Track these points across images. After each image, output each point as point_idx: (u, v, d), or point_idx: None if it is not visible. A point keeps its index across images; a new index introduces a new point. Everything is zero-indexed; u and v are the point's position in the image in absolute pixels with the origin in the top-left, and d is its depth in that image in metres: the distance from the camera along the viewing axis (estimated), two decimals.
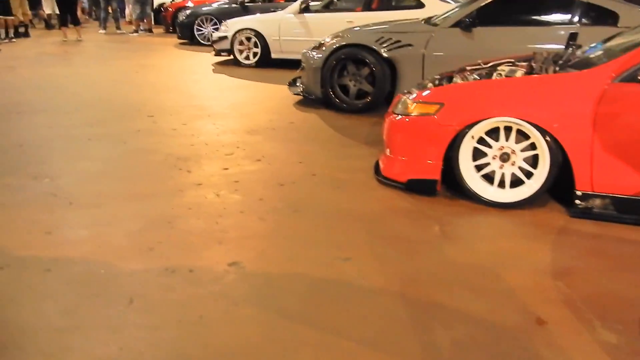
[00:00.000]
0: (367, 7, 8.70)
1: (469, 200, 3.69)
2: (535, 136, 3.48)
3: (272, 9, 10.80)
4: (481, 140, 3.64)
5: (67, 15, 12.86)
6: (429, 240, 3.23)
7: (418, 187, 3.84)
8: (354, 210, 3.62)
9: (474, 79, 4.18)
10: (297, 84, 6.80)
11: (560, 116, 3.41)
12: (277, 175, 4.25)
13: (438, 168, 3.74)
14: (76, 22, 12.76)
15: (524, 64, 4.37)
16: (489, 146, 3.63)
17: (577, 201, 3.45)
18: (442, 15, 6.39)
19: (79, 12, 14.71)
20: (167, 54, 11.00)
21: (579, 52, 4.01)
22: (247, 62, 9.35)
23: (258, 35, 9.18)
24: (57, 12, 14.55)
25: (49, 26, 14.83)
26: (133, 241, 3.14)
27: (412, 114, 3.84)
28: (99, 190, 3.89)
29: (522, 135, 3.55)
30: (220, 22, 11.46)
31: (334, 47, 6.23)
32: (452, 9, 6.60)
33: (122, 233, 3.24)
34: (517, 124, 3.50)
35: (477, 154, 3.67)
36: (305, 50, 6.68)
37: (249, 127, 5.58)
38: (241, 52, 9.37)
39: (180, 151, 4.78)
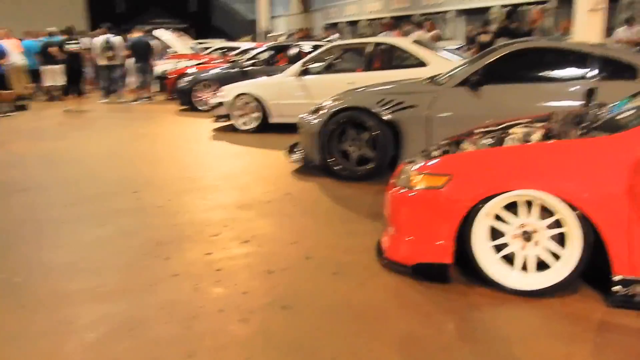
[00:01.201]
0: (368, 67, 8.37)
1: (487, 287, 3.16)
2: (561, 211, 2.97)
3: (272, 73, 10.53)
4: (498, 217, 3.13)
5: (72, 85, 12.75)
6: (444, 344, 2.68)
7: (427, 273, 3.31)
8: (355, 305, 3.10)
9: (486, 144, 3.71)
10: (296, 151, 6.37)
11: (590, 188, 2.91)
12: (267, 260, 3.74)
13: (450, 250, 3.22)
14: (79, 92, 12.62)
15: (540, 124, 3.91)
16: (508, 223, 3.12)
17: (616, 288, 2.90)
18: (446, 73, 6.00)
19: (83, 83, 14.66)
20: (166, 122, 10.70)
21: (603, 112, 3.54)
22: (245, 127, 8.99)
23: (257, 99, 8.85)
24: (59, 83, 14.47)
25: (50, 98, 14.70)
26: (83, 358, 2.62)
27: (417, 187, 3.35)
28: (59, 288, 3.40)
29: (546, 211, 3.04)
30: (220, 88, 11.24)
31: (333, 110, 5.82)
32: (458, 67, 6.22)
33: (72, 346, 2.72)
34: (539, 198, 3.00)
35: (495, 233, 3.16)
36: (302, 115, 6.29)
37: (241, 201, 5.12)
38: (239, 117, 9.03)
39: (161, 233, 4.30)
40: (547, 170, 3.01)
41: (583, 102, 4.96)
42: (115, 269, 3.65)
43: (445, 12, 24.71)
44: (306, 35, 19.49)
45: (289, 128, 8.61)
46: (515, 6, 21.78)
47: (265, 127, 8.86)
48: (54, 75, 13.67)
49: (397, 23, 15.22)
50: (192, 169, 6.57)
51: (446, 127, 5.32)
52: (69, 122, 11.19)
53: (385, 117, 5.53)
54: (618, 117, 3.28)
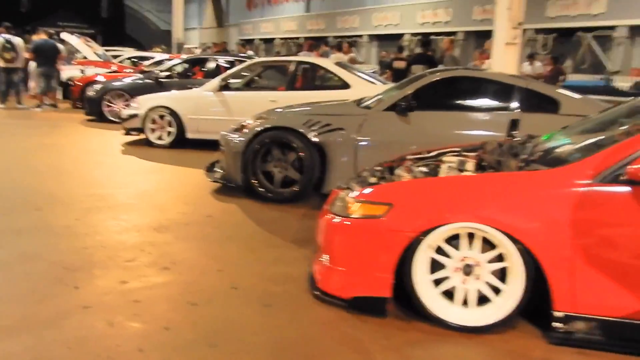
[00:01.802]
0: (291, 87, 8.21)
1: (427, 322, 3.03)
2: (504, 245, 2.90)
3: (189, 86, 10.15)
4: (440, 249, 3.03)
5: None
6: None
7: (364, 306, 3.14)
8: (288, 341, 2.87)
9: (421, 172, 3.62)
10: (216, 169, 6.06)
11: (533, 221, 2.86)
12: (190, 289, 3.44)
13: (388, 283, 3.07)
14: None
15: (472, 154, 3.89)
16: (449, 256, 3.02)
17: (556, 324, 2.86)
18: (373, 97, 5.94)
19: None
20: (72, 132, 10.02)
21: (538, 144, 3.55)
22: (160, 142, 8.55)
23: (173, 113, 8.44)
24: None
25: None
26: None
27: (354, 216, 3.19)
28: None
29: (488, 244, 2.97)
30: (132, 98, 10.70)
31: (258, 129, 5.59)
32: (384, 92, 6.19)
33: None
34: (481, 230, 2.92)
35: (436, 266, 3.05)
36: (224, 133, 6.00)
37: (157, 223, 4.75)
38: (153, 131, 8.58)
39: (68, 258, 3.88)
40: (490, 202, 2.95)
41: (506, 132, 5.06)
42: (15, 300, 3.22)
43: (359, 36, 25.24)
44: (223, 49, 19.13)
45: (206, 144, 8.29)
46: (426, 35, 22.64)
47: (181, 142, 8.46)
48: None
49: (316, 44, 15.26)
50: (102, 185, 6.09)
51: (373, 152, 5.27)
52: None
53: (312, 139, 5.36)
54: (558, 151, 3.28)
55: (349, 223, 3.20)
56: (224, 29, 39.77)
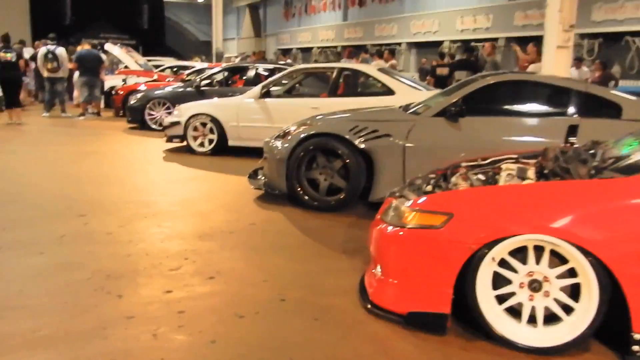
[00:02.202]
0: (333, 93, 8.07)
1: (490, 341, 2.81)
2: (576, 259, 2.67)
3: (230, 94, 10.12)
4: (504, 263, 2.81)
5: (8, 96, 11.87)
6: None
7: (422, 323, 2.95)
8: None
9: (479, 179, 3.42)
10: (259, 177, 5.94)
11: (609, 233, 2.62)
12: (236, 300, 3.30)
13: (448, 298, 2.87)
14: (17, 104, 11.78)
15: (531, 161, 3.67)
16: (515, 271, 2.80)
17: (636, 347, 2.61)
18: (421, 103, 5.75)
19: (23, 95, 13.78)
20: (114, 140, 10.08)
21: (610, 151, 3.30)
22: (201, 149, 8.51)
23: (214, 120, 8.39)
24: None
25: None
26: None
27: (409, 225, 3.00)
28: None
29: (558, 258, 2.74)
30: (174, 106, 10.73)
31: (302, 136, 5.45)
32: (431, 97, 5.99)
33: None
34: (551, 242, 2.70)
35: (499, 281, 2.83)
36: (268, 139, 5.88)
37: (201, 230, 4.65)
38: (195, 138, 8.54)
39: (112, 265, 3.79)
40: (560, 212, 2.72)
41: (563, 139, 4.80)
42: (56, 309, 3.12)
43: (397, 44, 25.02)
44: (262, 58, 19.18)
45: (247, 152, 8.21)
46: (466, 42, 22.28)
47: (222, 149, 8.40)
48: None
49: (356, 51, 15.12)
50: (145, 192, 6.04)
51: (422, 158, 5.07)
52: (8, 135, 10.39)
53: (359, 145, 5.19)
54: (634, 158, 3.03)
55: (405, 233, 3.01)
56: (261, 39, 40.10)
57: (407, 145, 5.12)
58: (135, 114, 11.43)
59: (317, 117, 5.95)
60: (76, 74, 13.50)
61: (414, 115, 5.30)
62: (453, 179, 3.51)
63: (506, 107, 5.25)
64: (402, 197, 3.34)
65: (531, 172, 3.35)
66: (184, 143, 8.68)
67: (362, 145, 5.19)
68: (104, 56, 14.07)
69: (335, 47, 29.84)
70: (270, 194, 5.73)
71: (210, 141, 8.49)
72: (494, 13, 21.00)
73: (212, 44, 22.52)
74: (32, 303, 3.18)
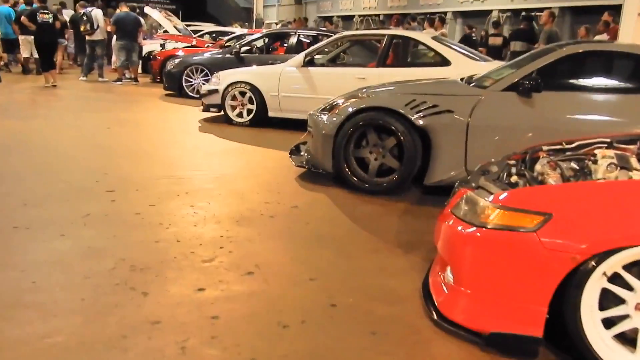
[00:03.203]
0: (382, 63, 7.43)
1: None
2: None
3: (271, 62, 9.58)
4: (616, 278, 2.25)
5: (45, 59, 11.56)
6: None
7: (506, 345, 2.41)
8: None
9: (571, 168, 2.84)
10: (302, 153, 5.43)
11: None
12: (279, 305, 2.81)
13: (541, 318, 2.32)
14: (52, 66, 11.47)
15: (630, 146, 3.07)
16: (630, 288, 2.24)
17: None
18: (485, 75, 5.12)
19: (60, 57, 13.50)
20: (150, 107, 9.67)
21: None
22: (239, 120, 8.02)
23: (254, 89, 7.88)
24: (36, 55, 13.35)
25: (25, 71, 13.56)
26: None
27: (491, 226, 2.45)
28: None
29: None
30: (212, 73, 10.25)
31: (351, 110, 4.89)
32: (497, 69, 5.34)
33: None
34: None
35: (608, 300, 2.27)
36: (312, 112, 5.34)
37: (238, 213, 4.17)
38: (233, 108, 8.04)
39: (138, 253, 3.34)
40: None
41: None
42: (72, 308, 2.68)
43: (444, 13, 23.94)
44: (302, 25, 18.48)
45: (288, 124, 7.71)
46: (516, 12, 21.14)
47: (261, 121, 7.91)
48: (31, 47, 12.54)
49: (404, 19, 14.31)
50: (178, 167, 5.59)
51: (488, 138, 4.50)
52: (42, 99, 10.10)
53: (416, 122, 4.61)
54: None
55: (485, 235, 2.46)
56: (301, 6, 39.17)
57: (471, 122, 4.52)
58: (172, 81, 11.01)
59: (367, 89, 5.38)
60: (114, 37, 13.12)
61: (480, 89, 4.68)
62: (538, 167, 2.93)
63: (588, 82, 4.60)
64: (479, 189, 2.79)
65: (635, 161, 2.76)
66: (222, 113, 8.21)
67: (420, 122, 4.61)
68: (142, 20, 13.64)
69: (378, 15, 28.87)
70: (314, 173, 5.22)
71: (250, 111, 8.00)
72: None
73: (253, 10, 21.89)
74: (45, 299, 2.75)
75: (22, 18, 11.76)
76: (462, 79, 5.19)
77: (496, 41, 12.81)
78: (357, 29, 27.69)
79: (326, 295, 2.92)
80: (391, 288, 3.04)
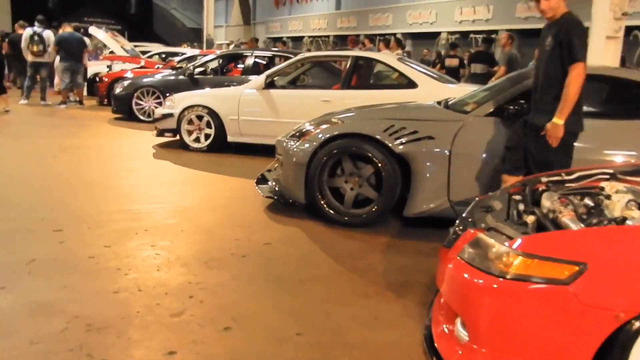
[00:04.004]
0: (347, 85, 7.15)
1: None
2: None
3: (227, 83, 9.19)
4: None
5: None
6: None
7: None
8: None
9: (585, 205, 2.57)
10: (270, 183, 5.04)
11: None
12: None
13: None
14: (2, 91, 10.68)
15: (636, 179, 2.85)
16: None
17: None
18: (464, 98, 4.89)
19: None
20: (98, 132, 9.09)
21: None
22: (196, 145, 7.56)
23: (211, 113, 7.44)
24: None
25: None
26: None
27: (513, 276, 2.14)
28: None
29: None
30: (164, 96, 9.76)
31: (325, 136, 4.56)
32: (475, 92, 5.13)
33: None
34: None
35: None
36: (281, 139, 4.98)
37: (207, 253, 3.75)
38: (190, 133, 7.58)
39: (95, 308, 2.87)
40: None
41: None
42: None
43: (393, 34, 24.11)
44: (255, 46, 18.16)
45: (248, 149, 7.33)
46: (463, 34, 21.50)
47: (220, 146, 7.48)
48: None
49: (359, 40, 14.16)
50: (134, 199, 5.11)
51: (471, 167, 4.25)
52: None
53: (396, 149, 4.31)
54: None
55: (506, 287, 2.15)
56: (250, 27, 38.95)
57: (454, 150, 4.25)
58: (121, 104, 10.43)
59: (339, 114, 5.06)
60: (57, 58, 12.43)
61: (462, 114, 4.43)
62: (547, 203, 2.65)
63: (586, 108, 4.40)
64: (491, 230, 2.47)
65: None
66: (177, 137, 7.74)
67: (400, 149, 4.32)
68: (87, 40, 13.00)
69: (327, 36, 28.91)
70: (283, 203, 4.84)
71: (207, 136, 7.55)
72: (494, 4, 20.19)
73: (203, 30, 21.46)
74: None
75: None
76: (438, 103, 4.95)
77: (452, 62, 12.80)
78: (308, 50, 27.61)
79: (319, 355, 2.53)
80: (391, 342, 2.68)
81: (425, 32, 23.03)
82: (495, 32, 19.94)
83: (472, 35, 21.09)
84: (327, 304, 3.07)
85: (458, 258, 2.46)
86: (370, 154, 4.41)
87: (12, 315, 2.77)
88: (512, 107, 4.16)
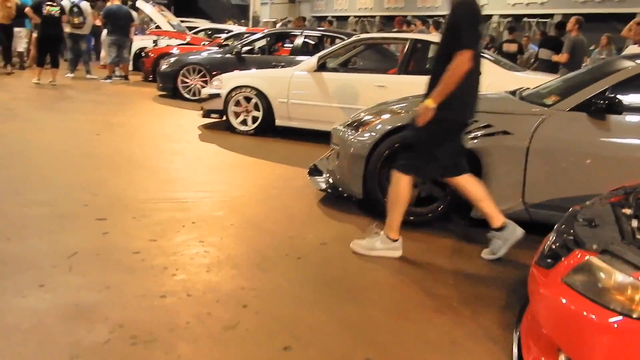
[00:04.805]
0: (404, 70, 6.73)
1: None
2: None
3: (275, 63, 8.86)
4: None
5: (46, 55, 10.66)
6: None
7: None
8: None
9: None
10: (324, 175, 4.70)
11: None
12: None
13: None
14: (55, 65, 10.58)
15: None
16: None
17: None
18: (541, 89, 4.45)
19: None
20: (143, 109, 8.90)
21: None
22: (243, 128, 7.27)
23: (260, 95, 7.13)
24: (20, 49, 12.49)
25: (18, 66, 12.61)
26: None
27: (638, 315, 1.76)
28: None
29: None
30: (210, 74, 9.52)
31: (388, 128, 4.18)
32: (553, 82, 4.67)
33: None
34: None
35: None
36: (338, 127, 4.63)
37: (259, 253, 3.44)
38: (237, 115, 7.30)
39: (140, 315, 2.60)
40: None
41: None
42: None
43: (442, 16, 23.31)
44: (301, 24, 17.75)
45: (296, 134, 7.00)
46: (517, 17, 20.58)
47: (267, 130, 7.18)
48: (28, 41, 11.70)
49: (408, 21, 13.57)
50: (180, 185, 4.84)
51: (553, 166, 3.81)
52: (26, 97, 9.27)
53: (468, 145, 3.91)
54: None
55: (633, 328, 1.78)
56: (294, 5, 38.42)
57: (532, 147, 3.83)
58: (166, 81, 10.23)
59: (396, 103, 4.67)
60: (104, 32, 12.28)
61: (542, 107, 3.98)
62: None
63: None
64: (606, 254, 2.08)
65: None
66: (224, 119, 7.46)
67: (470, 144, 3.91)
68: (134, 14, 12.82)
69: (374, 16, 28.22)
70: (336, 196, 4.51)
71: (255, 119, 7.25)
72: None
73: (249, 7, 21.11)
74: None
75: (27, 9, 10.88)
76: (512, 93, 4.52)
77: (511, 48, 12.17)
78: (353, 30, 27.02)
79: None
80: None
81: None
82: (551, 16, 19.08)
83: (525, 19, 20.20)
84: (396, 321, 2.73)
85: (564, 283, 2.09)
86: None
87: (50, 320, 2.51)
88: (600, 102, 3.71)
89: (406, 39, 6.98)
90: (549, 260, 2.36)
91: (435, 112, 3.28)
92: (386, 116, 4.35)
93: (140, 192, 4.49)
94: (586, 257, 2.09)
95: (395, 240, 3.51)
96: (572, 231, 2.42)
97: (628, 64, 4.03)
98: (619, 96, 3.71)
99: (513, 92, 4.57)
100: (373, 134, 4.22)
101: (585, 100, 3.80)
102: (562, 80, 4.63)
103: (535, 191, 3.86)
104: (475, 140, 3.91)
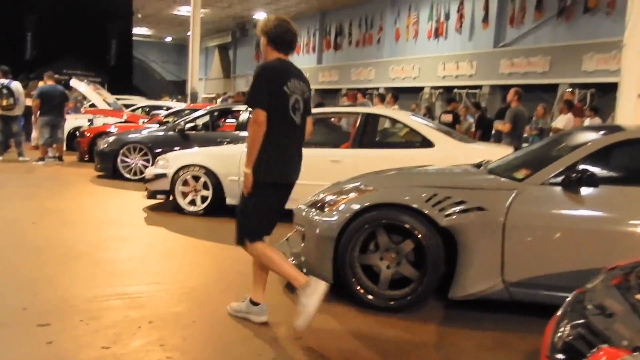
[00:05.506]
0: (358, 143, 6.64)
1: None
2: None
3: (220, 140, 8.66)
4: None
5: None
6: None
7: None
8: None
9: None
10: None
11: None
12: None
13: None
14: None
15: None
16: None
17: None
18: (506, 162, 4.39)
19: None
20: (82, 192, 8.38)
21: None
22: (192, 208, 6.90)
23: (209, 173, 6.84)
24: None
25: None
26: None
27: None
28: None
29: None
30: (153, 153, 9.18)
31: (357, 207, 3.97)
32: (513, 154, 4.65)
33: None
34: None
35: None
36: (302, 207, 4.39)
37: (228, 354, 3.07)
38: (185, 195, 6.95)
39: None
40: None
41: None
42: None
43: (375, 88, 24.00)
44: (242, 99, 17.76)
45: None
46: (447, 88, 21.44)
47: (217, 209, 6.84)
48: None
49: (356, 93, 13.75)
50: (130, 276, 4.42)
51: (529, 242, 3.71)
52: None
53: (441, 222, 3.74)
54: None
55: None
56: (230, 80, 38.80)
57: (508, 223, 3.70)
58: (105, 161, 9.77)
59: (366, 179, 4.49)
60: (37, 112, 11.75)
61: (514, 181, 3.89)
62: None
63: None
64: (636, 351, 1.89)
65: None
66: (170, 199, 7.08)
67: (445, 222, 3.75)
68: (68, 93, 12.40)
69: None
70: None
71: (204, 199, 6.92)
72: (477, 60, 20.26)
73: (187, 83, 21.02)
74: None
75: None
76: (476, 166, 4.45)
77: (447, 118, 12.45)
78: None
79: None
80: None
81: (408, 87, 23.02)
82: (479, 87, 19.96)
83: (455, 90, 21.05)
84: None
85: None
86: (410, 227, 3.83)
87: None
88: (574, 175, 3.65)
89: (358, 113, 6.94)
90: (562, 356, 2.15)
91: (253, 176, 3.39)
92: (353, 194, 4.14)
93: (86, 288, 4.04)
94: (621, 358, 1.89)
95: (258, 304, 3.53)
96: (586, 321, 2.23)
97: (593, 136, 4.04)
98: (590, 168, 3.68)
99: (478, 165, 4.51)
100: (343, 213, 3.99)
101: (557, 173, 3.74)
102: (526, 153, 4.61)
103: (515, 269, 3.71)
104: (450, 218, 3.75)
